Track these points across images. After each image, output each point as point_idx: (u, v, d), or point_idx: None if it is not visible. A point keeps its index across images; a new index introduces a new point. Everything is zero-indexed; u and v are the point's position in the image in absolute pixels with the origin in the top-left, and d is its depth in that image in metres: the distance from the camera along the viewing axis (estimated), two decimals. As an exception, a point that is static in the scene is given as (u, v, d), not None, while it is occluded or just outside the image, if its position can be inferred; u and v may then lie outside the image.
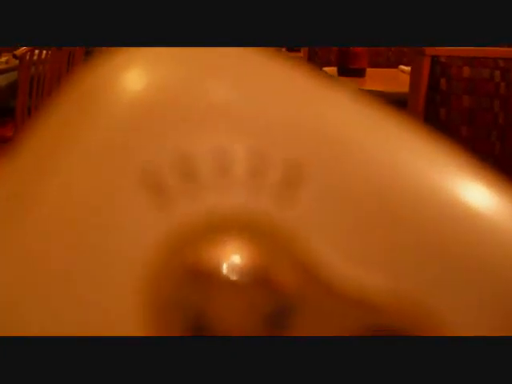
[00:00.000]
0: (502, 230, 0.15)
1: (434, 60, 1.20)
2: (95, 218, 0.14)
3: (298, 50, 3.11)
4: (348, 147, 0.15)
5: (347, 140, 0.15)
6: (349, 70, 1.84)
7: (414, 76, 1.25)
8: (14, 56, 2.25)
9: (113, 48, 0.16)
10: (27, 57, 2.26)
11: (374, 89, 1.65)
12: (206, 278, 0.14)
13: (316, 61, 2.46)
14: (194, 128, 0.14)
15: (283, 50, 3.43)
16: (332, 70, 1.92)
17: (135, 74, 0.15)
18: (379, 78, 1.96)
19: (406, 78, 1.33)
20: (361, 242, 0.14)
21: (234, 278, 0.14)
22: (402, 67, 1.96)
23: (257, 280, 0.14)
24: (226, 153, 0.14)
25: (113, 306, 0.14)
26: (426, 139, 0.15)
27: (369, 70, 1.88)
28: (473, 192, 0.15)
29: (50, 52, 2.46)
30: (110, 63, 0.15)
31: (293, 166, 0.14)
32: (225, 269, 0.14)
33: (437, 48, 1.24)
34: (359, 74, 1.85)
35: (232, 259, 0.14)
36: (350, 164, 0.14)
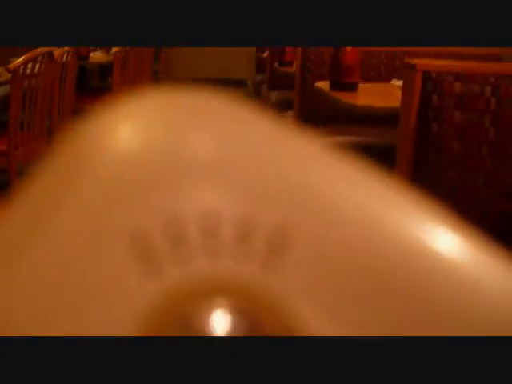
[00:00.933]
0: (482, 288, 0.15)
1: (426, 75, 1.21)
2: (82, 282, 0.14)
3: (291, 64, 3.12)
4: (335, 211, 0.15)
5: (334, 203, 0.15)
6: (341, 84, 1.85)
7: (406, 91, 1.26)
8: (7, 69, 2.25)
9: (98, 107, 0.16)
10: (20, 70, 2.26)
11: (366, 103, 1.66)
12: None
13: (308, 75, 2.48)
14: (182, 189, 0.14)
15: (276, 64, 3.44)
16: (325, 84, 1.93)
17: (121, 135, 0.15)
18: (371, 93, 1.97)
19: (399, 93, 1.34)
20: (346, 305, 0.14)
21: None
22: (395, 82, 1.98)
23: None
24: (213, 216, 0.14)
25: None
26: (408, 198, 0.16)
27: (361, 85, 1.89)
28: (459, 258, 0.15)
29: (42, 65, 2.46)
30: (96, 124, 0.15)
31: (279, 231, 0.14)
32: (212, 332, 0.14)
33: (428, 63, 1.25)
34: (351, 88, 1.86)
35: (219, 323, 0.14)
36: (336, 228, 0.15)
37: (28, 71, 2.35)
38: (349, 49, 1.84)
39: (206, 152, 0.15)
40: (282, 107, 3.23)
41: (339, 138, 2.24)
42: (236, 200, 0.14)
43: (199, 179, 0.14)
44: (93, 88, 4.47)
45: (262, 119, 0.16)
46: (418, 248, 0.15)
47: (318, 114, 2.44)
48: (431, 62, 1.29)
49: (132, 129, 0.15)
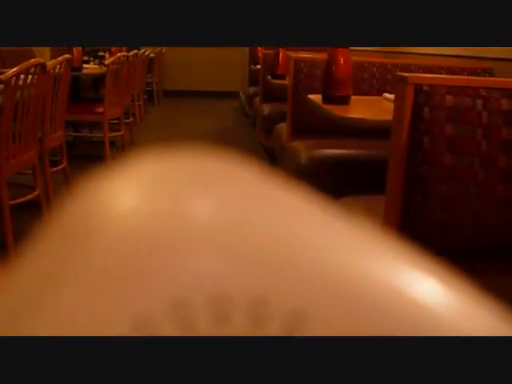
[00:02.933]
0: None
1: (418, 88, 1.22)
2: None
3: (283, 77, 3.13)
4: (351, 286, 0.14)
5: (350, 278, 0.14)
6: (333, 97, 1.86)
7: (398, 104, 1.27)
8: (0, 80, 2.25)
9: (98, 172, 0.15)
10: (12, 81, 2.26)
11: (358, 116, 1.67)
12: None
13: (301, 88, 2.49)
14: (189, 268, 0.13)
15: (269, 77, 3.45)
16: (317, 97, 1.94)
17: (123, 206, 0.14)
18: (363, 106, 1.98)
19: (390, 106, 1.34)
20: None
21: None
22: (386, 95, 1.99)
23: None
24: (224, 300, 0.13)
25: None
26: (400, 253, 0.15)
27: (353, 98, 1.90)
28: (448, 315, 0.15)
29: (35, 77, 2.46)
30: (97, 191, 0.15)
31: (295, 314, 0.13)
32: None
33: (420, 76, 1.26)
34: (344, 101, 1.86)
35: None
36: (354, 306, 0.14)
37: (20, 82, 2.35)
38: (341, 62, 1.85)
39: (212, 223, 0.14)
40: (274, 119, 3.24)
41: (331, 151, 2.24)
42: (247, 279, 0.13)
43: (207, 254, 0.13)
44: (86, 99, 4.48)
45: (264, 181, 0.15)
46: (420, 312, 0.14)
47: (310, 127, 2.45)
48: (423, 75, 1.30)
49: (134, 198, 0.14)
